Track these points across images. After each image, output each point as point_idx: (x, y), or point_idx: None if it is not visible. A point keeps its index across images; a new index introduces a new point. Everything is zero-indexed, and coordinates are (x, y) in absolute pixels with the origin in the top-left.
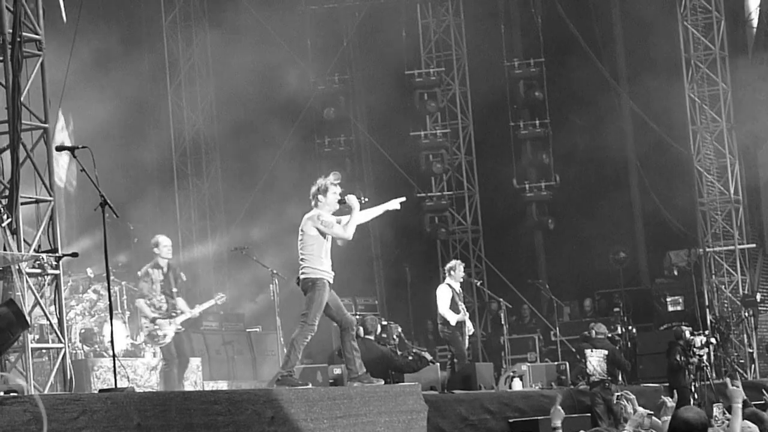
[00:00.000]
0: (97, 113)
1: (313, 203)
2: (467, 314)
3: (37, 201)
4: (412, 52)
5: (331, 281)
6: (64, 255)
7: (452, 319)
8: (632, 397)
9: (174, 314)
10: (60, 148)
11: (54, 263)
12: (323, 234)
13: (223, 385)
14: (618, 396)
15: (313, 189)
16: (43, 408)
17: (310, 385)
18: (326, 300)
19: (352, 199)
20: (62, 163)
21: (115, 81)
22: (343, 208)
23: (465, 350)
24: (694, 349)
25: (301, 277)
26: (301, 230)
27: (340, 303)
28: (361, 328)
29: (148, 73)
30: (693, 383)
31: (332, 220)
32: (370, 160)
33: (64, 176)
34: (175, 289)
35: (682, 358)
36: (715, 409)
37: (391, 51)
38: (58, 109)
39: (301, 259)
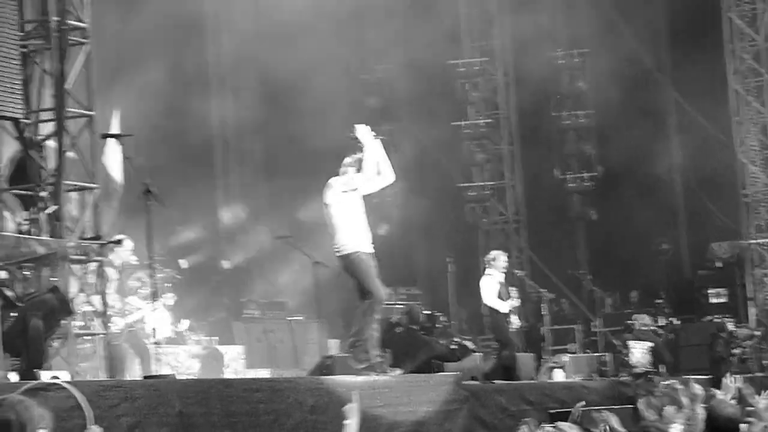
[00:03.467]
0: (140, 102)
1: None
2: (517, 302)
3: (82, 188)
4: (455, 41)
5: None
6: (108, 242)
7: (502, 307)
8: (680, 387)
9: (127, 312)
10: (105, 136)
11: (98, 250)
12: (351, 198)
13: (264, 374)
14: (665, 386)
15: (348, 160)
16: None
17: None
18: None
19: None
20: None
21: (158, 71)
22: None
23: (512, 339)
24: (738, 342)
25: (337, 254)
26: (325, 204)
27: None
28: (406, 317)
29: (191, 61)
30: (734, 376)
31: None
32: (411, 149)
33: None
34: (128, 289)
35: (725, 350)
36: None
37: (433, 40)
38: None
39: (334, 235)
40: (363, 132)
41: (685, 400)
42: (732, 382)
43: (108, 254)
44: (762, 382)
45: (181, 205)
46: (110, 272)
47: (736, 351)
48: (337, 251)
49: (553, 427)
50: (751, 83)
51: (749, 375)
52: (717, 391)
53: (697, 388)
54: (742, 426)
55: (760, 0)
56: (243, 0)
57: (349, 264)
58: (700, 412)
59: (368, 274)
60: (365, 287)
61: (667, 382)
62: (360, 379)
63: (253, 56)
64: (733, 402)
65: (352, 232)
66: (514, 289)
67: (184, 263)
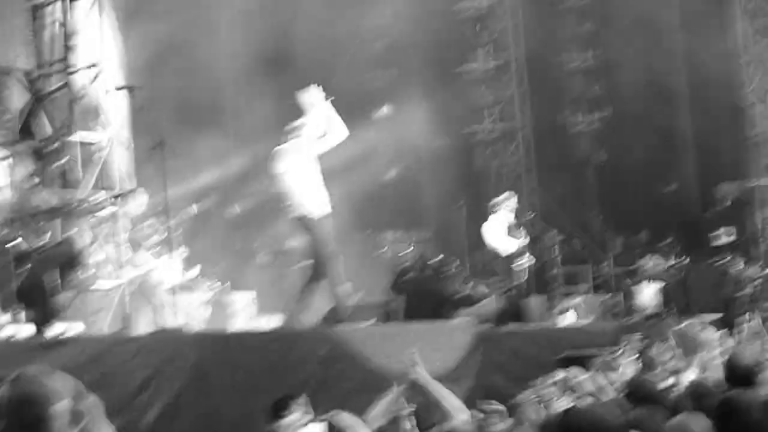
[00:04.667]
0: (144, 52)
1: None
2: (526, 240)
3: (91, 142)
4: None
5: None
6: (120, 194)
7: (509, 247)
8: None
9: (139, 264)
10: (120, 88)
11: (110, 201)
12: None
13: (276, 319)
14: (676, 331)
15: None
16: None
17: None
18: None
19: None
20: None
21: (161, 20)
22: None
23: (522, 282)
24: (746, 281)
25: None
26: (275, 174)
27: None
28: (419, 262)
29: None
30: (747, 315)
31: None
32: (421, 93)
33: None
34: (141, 238)
35: (734, 290)
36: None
37: None
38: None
39: (291, 201)
40: (313, 93)
41: (697, 345)
42: (750, 322)
43: (122, 205)
44: None
45: (193, 152)
46: (123, 223)
47: (747, 291)
48: (296, 215)
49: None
50: (760, 22)
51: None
52: (731, 339)
53: (711, 334)
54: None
55: None
56: None
57: (308, 227)
58: (716, 357)
59: (324, 239)
60: (319, 254)
61: (678, 328)
62: (373, 327)
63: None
64: (754, 349)
65: (310, 195)
66: (521, 230)
67: (193, 209)
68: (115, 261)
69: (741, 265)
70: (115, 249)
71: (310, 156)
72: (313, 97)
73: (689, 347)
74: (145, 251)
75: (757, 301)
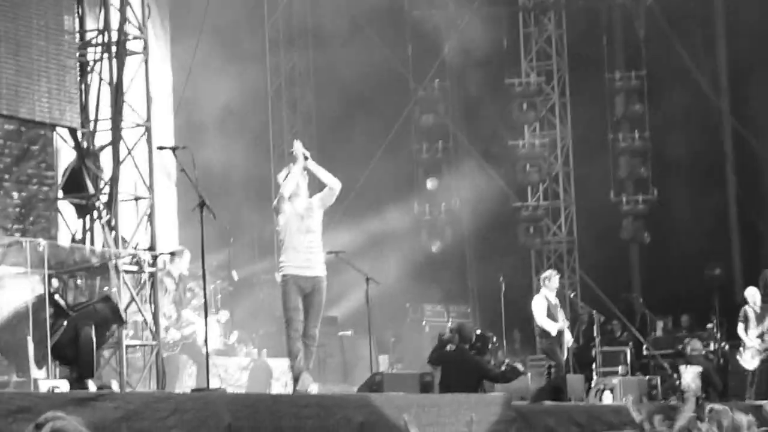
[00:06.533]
0: (198, 115)
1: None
2: (567, 323)
3: (137, 198)
4: (513, 61)
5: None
6: (161, 253)
7: (552, 328)
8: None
9: (183, 324)
10: (161, 148)
11: (151, 261)
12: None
13: (313, 388)
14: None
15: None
16: None
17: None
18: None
19: (297, 147)
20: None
21: (218, 86)
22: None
23: (563, 361)
24: None
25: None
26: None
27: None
28: (457, 336)
29: (249, 78)
30: None
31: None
32: (466, 168)
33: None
34: (184, 300)
35: None
36: None
37: (492, 59)
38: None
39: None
40: (297, 148)
41: (729, 425)
42: None
43: (166, 265)
44: None
45: (235, 217)
46: (168, 283)
47: None
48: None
49: None
50: None
51: None
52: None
53: (743, 417)
54: None
55: None
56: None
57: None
58: None
59: (283, 300)
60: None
61: (713, 406)
62: (409, 397)
63: (312, 70)
64: None
65: (283, 253)
66: (561, 311)
67: (236, 275)
68: (155, 321)
69: None
70: (154, 309)
71: (297, 213)
72: (295, 153)
73: (722, 429)
74: (186, 313)
75: None
